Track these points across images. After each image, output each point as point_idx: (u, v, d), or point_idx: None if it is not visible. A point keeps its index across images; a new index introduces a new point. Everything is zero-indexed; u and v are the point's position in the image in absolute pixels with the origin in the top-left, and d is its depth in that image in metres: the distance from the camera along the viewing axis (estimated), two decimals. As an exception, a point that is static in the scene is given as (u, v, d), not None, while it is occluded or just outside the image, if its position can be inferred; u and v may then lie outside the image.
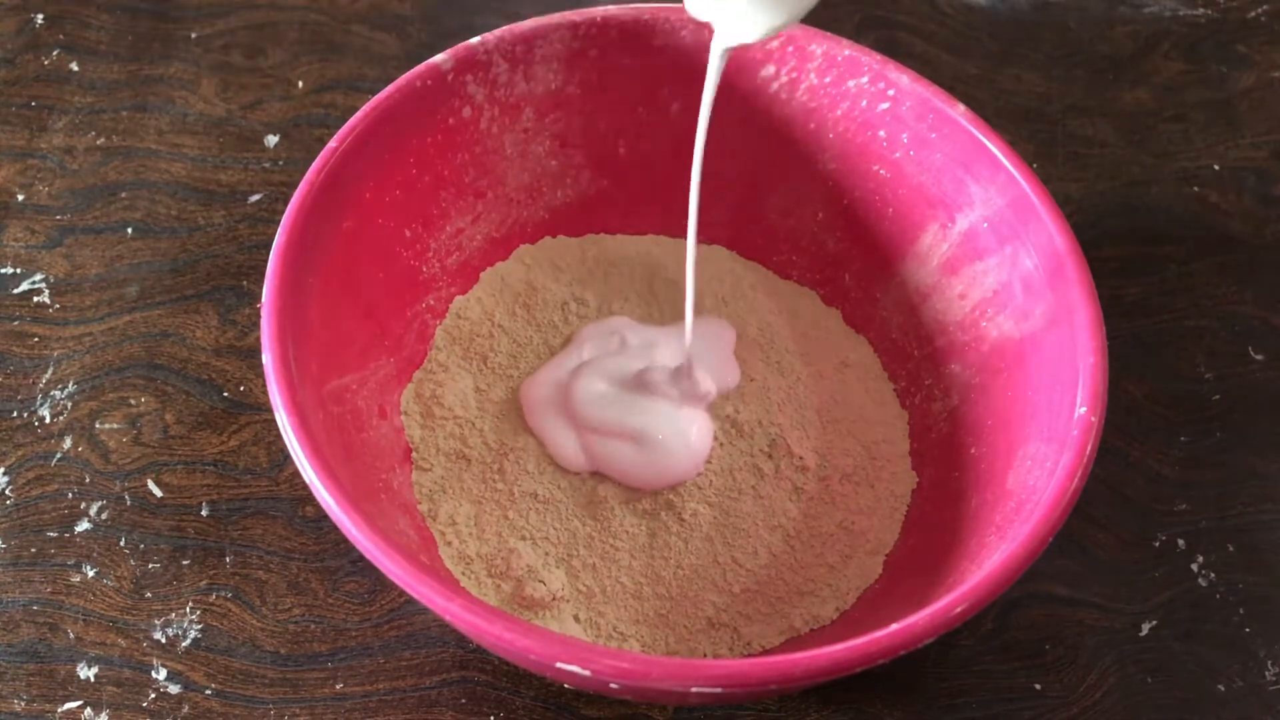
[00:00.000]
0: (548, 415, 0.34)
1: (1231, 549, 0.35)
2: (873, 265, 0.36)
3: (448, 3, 0.46)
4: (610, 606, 0.31)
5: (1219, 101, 0.45)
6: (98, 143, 0.42)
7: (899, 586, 0.31)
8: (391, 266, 0.33)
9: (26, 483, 0.34)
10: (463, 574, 0.31)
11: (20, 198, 0.40)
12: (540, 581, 0.31)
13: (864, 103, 0.33)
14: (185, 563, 0.33)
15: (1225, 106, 0.45)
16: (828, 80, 0.33)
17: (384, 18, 0.46)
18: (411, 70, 0.31)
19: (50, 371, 0.36)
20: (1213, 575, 0.34)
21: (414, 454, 0.33)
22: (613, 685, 0.24)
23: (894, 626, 0.24)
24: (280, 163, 0.41)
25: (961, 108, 0.31)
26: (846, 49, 0.33)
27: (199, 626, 0.32)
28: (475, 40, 0.32)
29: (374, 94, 0.31)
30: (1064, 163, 0.43)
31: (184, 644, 0.32)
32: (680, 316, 0.36)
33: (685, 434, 0.33)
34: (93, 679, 0.31)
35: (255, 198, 0.41)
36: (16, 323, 0.37)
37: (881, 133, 0.33)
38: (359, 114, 0.31)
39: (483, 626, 0.23)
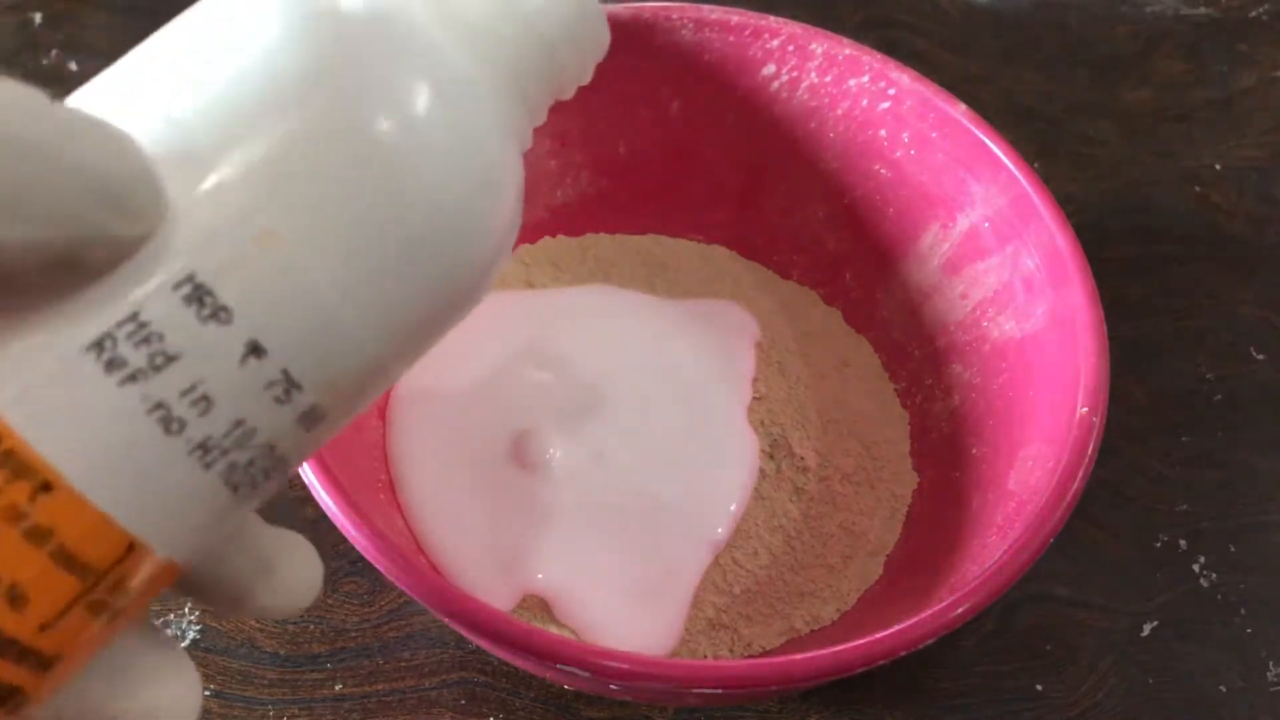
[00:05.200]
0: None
1: (1233, 549, 0.35)
2: (873, 265, 0.35)
3: (448, 2, 0.46)
4: (610, 607, 0.31)
5: (1220, 101, 0.45)
6: (97, 142, 0.42)
7: (900, 587, 0.31)
8: (391, 266, 0.33)
9: (25, 483, 0.34)
10: (462, 574, 0.31)
11: (19, 197, 0.40)
12: (540, 582, 0.31)
13: (865, 102, 0.33)
14: (184, 563, 0.33)
15: (1227, 106, 0.45)
16: (828, 79, 0.33)
17: (384, 17, 0.46)
18: (411, 69, 0.31)
19: (49, 371, 0.36)
20: (1214, 576, 0.34)
21: (414, 454, 0.33)
22: (613, 686, 0.24)
23: (895, 627, 0.23)
24: (280, 162, 0.41)
25: (963, 107, 0.31)
26: (847, 48, 0.33)
27: (198, 627, 0.32)
28: (475, 39, 0.32)
29: (373, 93, 0.31)
30: (1065, 162, 0.43)
31: (183, 644, 0.32)
32: (683, 311, 0.36)
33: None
34: (92, 679, 0.31)
35: (255, 197, 0.40)
36: (16, 323, 0.37)
37: (882, 132, 0.33)
38: (358, 113, 0.30)
39: (483, 627, 0.23)
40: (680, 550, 0.31)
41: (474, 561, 0.30)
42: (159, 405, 0.13)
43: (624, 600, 0.30)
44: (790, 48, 0.33)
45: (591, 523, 0.31)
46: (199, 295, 0.14)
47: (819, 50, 0.33)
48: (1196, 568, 0.34)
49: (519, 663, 0.27)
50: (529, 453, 0.32)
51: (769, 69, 0.34)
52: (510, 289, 0.36)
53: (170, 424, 0.14)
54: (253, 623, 0.32)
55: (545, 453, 0.32)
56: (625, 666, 0.23)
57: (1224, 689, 0.32)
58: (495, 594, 0.30)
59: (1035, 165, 0.42)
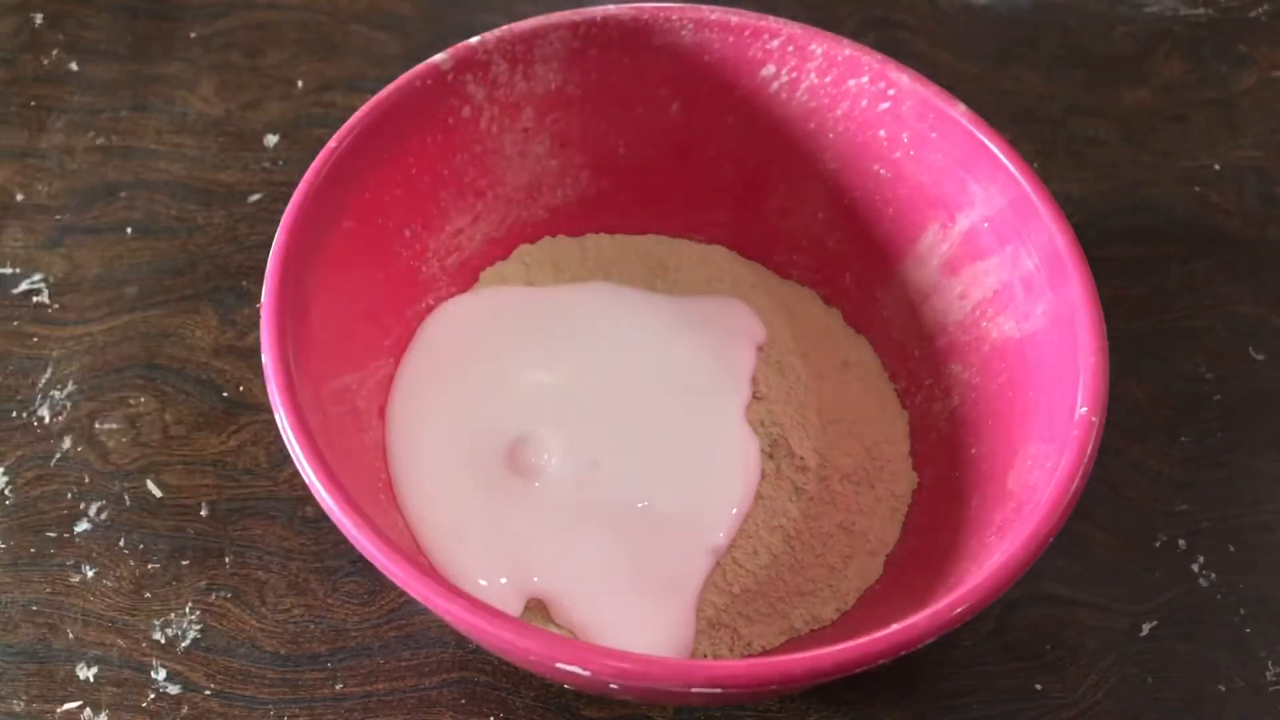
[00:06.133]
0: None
1: (1232, 549, 0.35)
2: (873, 265, 0.35)
3: (448, 3, 0.46)
4: (610, 607, 0.31)
5: (1220, 101, 0.45)
6: (97, 143, 0.42)
7: (899, 587, 0.31)
8: (391, 266, 0.33)
9: (26, 483, 0.34)
10: (462, 574, 0.31)
11: (20, 197, 0.40)
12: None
13: (864, 102, 0.33)
14: (185, 563, 0.33)
15: (1226, 106, 0.45)
16: (828, 80, 0.33)
17: (384, 18, 0.46)
18: (411, 70, 0.31)
19: (50, 371, 0.36)
20: (1213, 575, 0.34)
21: (414, 454, 0.33)
22: (613, 685, 0.24)
23: (894, 627, 0.24)
24: (280, 163, 0.41)
25: (962, 107, 0.31)
26: (846, 49, 0.33)
27: (198, 627, 0.32)
28: (475, 40, 0.32)
29: (374, 94, 0.31)
30: (1065, 162, 0.43)
31: (183, 644, 0.32)
32: (685, 308, 0.36)
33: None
34: (92, 679, 0.31)
35: (255, 197, 0.41)
36: (16, 323, 0.37)
37: (882, 132, 0.33)
38: (359, 114, 0.30)
39: (483, 627, 0.23)
40: (681, 555, 0.31)
41: (474, 563, 0.30)
42: None
43: (623, 606, 0.30)
44: (790, 48, 0.33)
45: (590, 528, 0.31)
46: None
47: (819, 51, 0.33)
48: (1196, 567, 0.34)
49: (519, 662, 0.27)
50: (525, 459, 0.32)
51: (769, 69, 0.34)
52: (511, 287, 0.36)
53: None
54: (254, 622, 0.32)
55: (541, 459, 0.32)
56: (625, 666, 0.23)
57: (1223, 689, 0.32)
58: (495, 596, 0.30)
59: (1034, 165, 0.42)
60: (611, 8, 0.33)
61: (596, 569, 0.31)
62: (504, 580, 0.30)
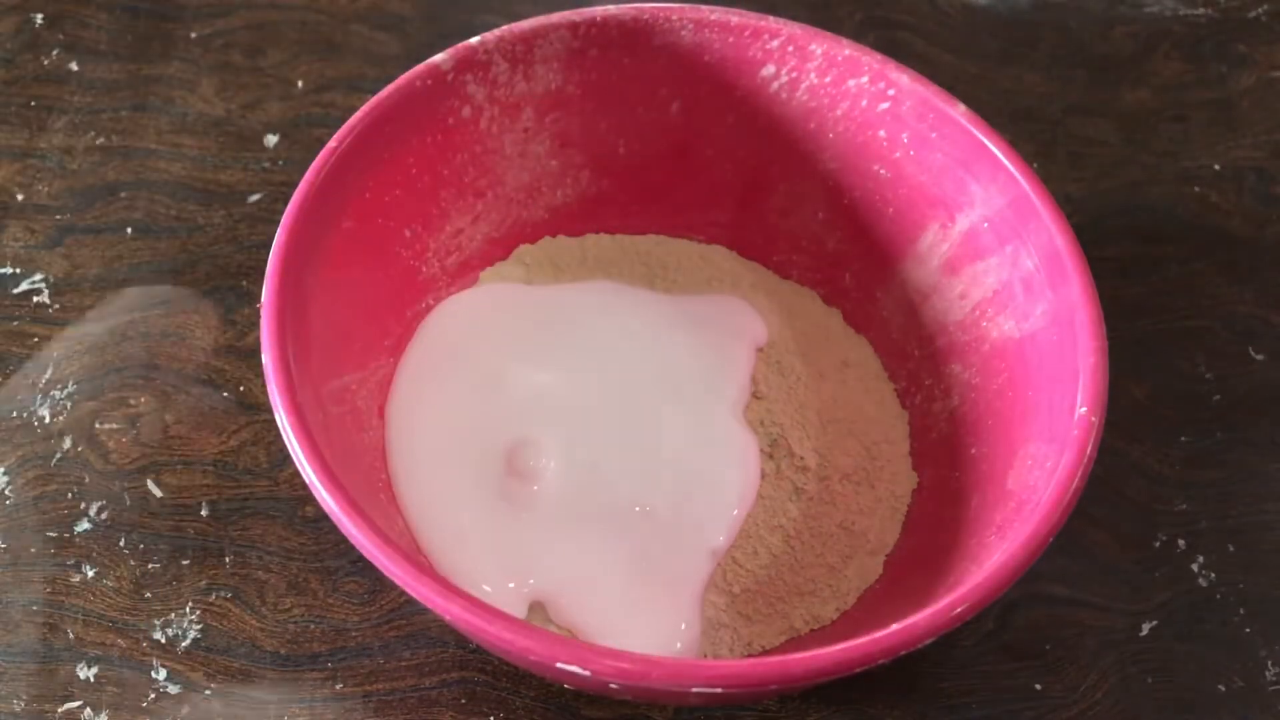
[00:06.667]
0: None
1: (1232, 549, 0.35)
2: (873, 265, 0.35)
3: (448, 3, 0.46)
4: (610, 607, 0.31)
5: (1219, 101, 0.45)
6: (97, 142, 0.42)
7: (899, 587, 0.31)
8: (391, 266, 0.33)
9: (26, 483, 0.34)
10: (463, 574, 0.31)
11: (20, 197, 0.40)
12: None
13: (864, 102, 0.33)
14: (185, 563, 0.33)
15: (1226, 106, 0.45)
16: (828, 80, 0.33)
17: (384, 18, 0.46)
18: (411, 70, 0.31)
19: (50, 371, 0.36)
20: (1213, 575, 0.34)
21: (414, 454, 0.33)
22: (613, 685, 0.24)
23: (894, 627, 0.24)
24: (280, 163, 0.41)
25: (962, 107, 0.31)
26: (846, 49, 0.33)
27: (199, 627, 0.32)
28: (475, 40, 0.32)
29: (374, 94, 0.31)
30: (1064, 163, 0.43)
31: (184, 644, 0.32)
32: (686, 307, 0.36)
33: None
34: (93, 679, 0.31)
35: (255, 197, 0.41)
36: (16, 323, 0.37)
37: (882, 132, 0.33)
38: (358, 114, 0.31)
39: (483, 626, 0.23)
40: (682, 556, 0.31)
41: (476, 568, 0.30)
42: None
43: (624, 608, 0.30)
44: (790, 48, 0.33)
45: (590, 530, 0.31)
46: None
47: (818, 51, 0.33)
48: (1195, 567, 0.34)
49: (519, 662, 0.27)
50: (524, 462, 0.32)
51: (768, 69, 0.34)
52: (511, 285, 0.36)
53: None
54: (254, 622, 0.32)
55: (540, 461, 0.32)
56: (625, 665, 0.23)
57: (1223, 688, 0.32)
58: (499, 601, 0.30)
59: (1034, 165, 0.42)
60: (611, 8, 0.33)
61: (597, 571, 0.31)
62: (511, 585, 0.30)
